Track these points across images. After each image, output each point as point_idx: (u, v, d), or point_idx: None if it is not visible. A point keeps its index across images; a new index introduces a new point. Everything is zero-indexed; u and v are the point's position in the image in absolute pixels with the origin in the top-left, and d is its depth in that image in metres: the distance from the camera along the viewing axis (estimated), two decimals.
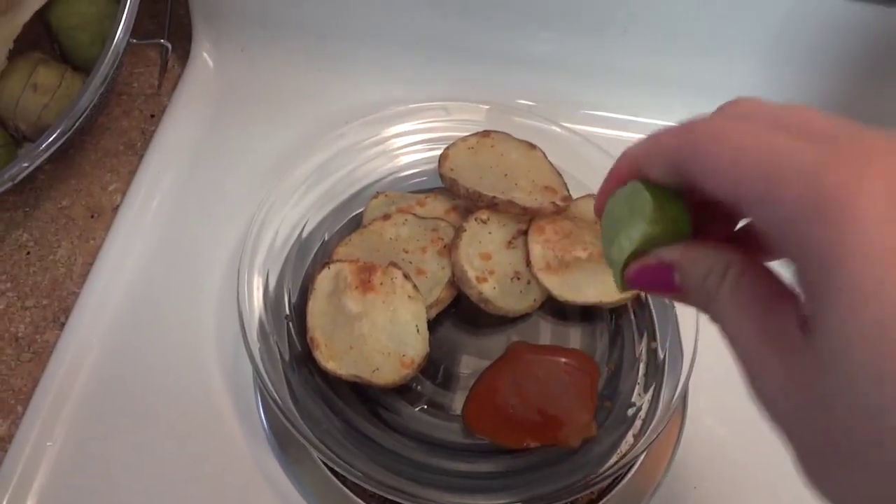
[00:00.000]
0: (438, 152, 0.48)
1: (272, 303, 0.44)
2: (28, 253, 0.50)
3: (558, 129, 0.51)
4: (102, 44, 0.50)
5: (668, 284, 0.24)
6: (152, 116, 0.57)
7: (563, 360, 0.43)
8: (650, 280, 0.25)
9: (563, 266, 0.44)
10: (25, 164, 0.43)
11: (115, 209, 0.52)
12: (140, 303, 0.48)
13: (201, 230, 0.51)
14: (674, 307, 0.44)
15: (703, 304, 0.23)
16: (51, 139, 0.43)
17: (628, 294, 0.44)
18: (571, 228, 0.45)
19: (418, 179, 0.50)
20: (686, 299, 0.24)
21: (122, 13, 0.45)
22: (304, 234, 0.48)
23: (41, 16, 0.49)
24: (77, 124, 0.44)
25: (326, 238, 0.48)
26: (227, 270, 0.49)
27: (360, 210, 0.49)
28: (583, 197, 0.48)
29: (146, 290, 0.48)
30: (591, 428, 0.40)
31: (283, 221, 0.47)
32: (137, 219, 0.51)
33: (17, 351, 0.46)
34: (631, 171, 0.26)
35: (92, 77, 0.44)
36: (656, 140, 0.24)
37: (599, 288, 0.44)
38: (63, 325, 0.47)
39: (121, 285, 0.48)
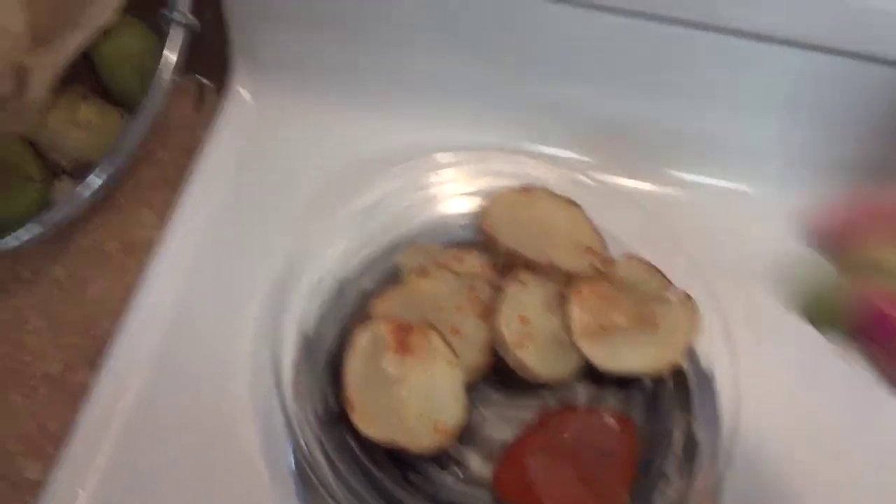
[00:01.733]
0: (477, 203, 0.48)
1: (308, 351, 0.44)
2: (63, 288, 0.50)
3: (599, 185, 0.50)
4: (143, 79, 0.50)
5: None
6: (188, 150, 0.56)
7: (601, 426, 0.43)
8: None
9: (604, 332, 0.44)
10: (69, 209, 0.43)
11: (150, 244, 0.52)
12: (174, 344, 0.47)
13: (237, 268, 0.51)
14: (713, 381, 0.44)
15: None
16: (95, 181, 0.43)
17: (669, 364, 0.44)
18: (612, 292, 0.45)
19: (457, 230, 0.50)
20: None
21: (167, 53, 0.44)
22: (342, 279, 0.47)
23: (84, 51, 0.48)
24: (120, 166, 0.44)
25: (364, 285, 0.47)
26: (263, 311, 0.48)
27: (397, 258, 0.48)
28: (623, 258, 0.47)
29: (181, 330, 0.48)
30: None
31: (320, 265, 0.47)
32: (173, 256, 0.51)
33: (50, 391, 0.46)
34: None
35: (136, 120, 0.44)
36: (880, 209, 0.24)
37: (640, 357, 0.43)
38: (97, 365, 0.47)
39: (155, 325, 0.48)
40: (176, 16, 0.43)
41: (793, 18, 0.45)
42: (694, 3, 0.46)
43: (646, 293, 0.45)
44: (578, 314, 0.44)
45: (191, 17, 0.44)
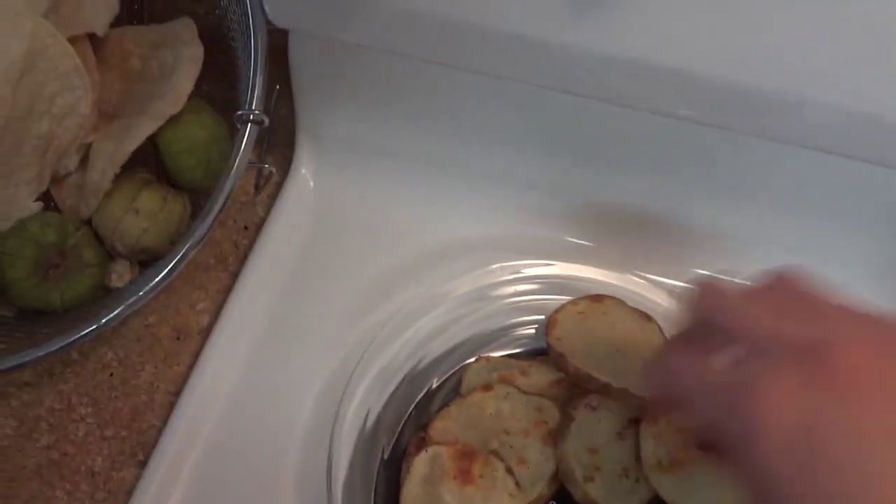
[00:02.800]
0: (543, 311, 0.46)
1: (362, 462, 0.42)
2: (111, 374, 0.48)
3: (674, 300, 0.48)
4: (208, 166, 0.49)
5: None
6: (246, 228, 0.55)
7: None
8: None
9: (677, 465, 0.41)
10: (127, 307, 0.41)
11: (202, 332, 0.50)
12: (224, 440, 0.46)
13: (294, 359, 0.49)
14: None
15: None
16: (156, 281, 0.41)
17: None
18: (689, 422, 0.42)
19: (524, 341, 0.47)
20: None
21: (238, 153, 0.43)
22: (406, 375, 0.46)
23: (149, 137, 0.47)
24: (182, 263, 0.43)
25: (431, 387, 0.46)
26: (316, 411, 0.47)
27: (464, 363, 0.46)
28: None
29: (231, 426, 0.46)
30: None
31: (384, 366, 0.45)
32: (226, 346, 0.49)
33: (91, 488, 0.45)
34: None
35: (202, 218, 0.42)
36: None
37: (716, 492, 0.40)
38: (141, 462, 0.45)
39: (204, 423, 0.46)
40: (251, 115, 0.42)
41: (836, 132, 0.42)
42: (743, 118, 0.43)
43: None
44: (651, 444, 0.41)
45: (264, 116, 0.42)
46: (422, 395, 0.46)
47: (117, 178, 0.48)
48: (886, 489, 0.23)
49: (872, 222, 0.50)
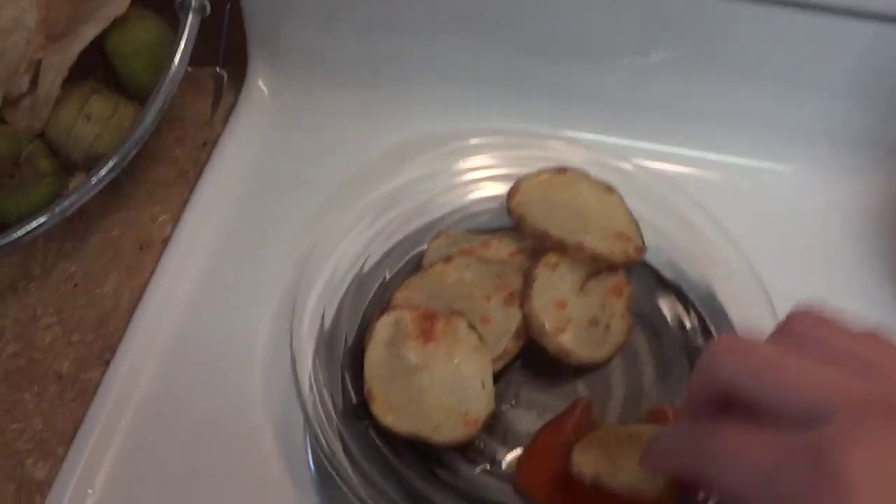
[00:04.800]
0: (506, 189, 0.46)
1: (326, 345, 0.42)
2: (76, 285, 0.48)
3: (638, 170, 0.48)
4: (156, 71, 0.49)
5: None
6: (204, 145, 0.55)
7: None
8: None
9: None
10: (76, 198, 0.41)
11: (165, 241, 0.50)
12: (187, 342, 0.46)
13: (253, 265, 0.49)
14: None
15: None
16: (103, 172, 0.42)
17: None
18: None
19: (483, 218, 0.47)
20: None
21: (180, 43, 0.43)
22: (364, 270, 0.45)
23: (95, 43, 0.47)
24: (130, 156, 0.42)
25: (387, 277, 0.45)
26: (279, 307, 0.46)
27: (421, 248, 0.46)
28: None
29: (194, 328, 0.46)
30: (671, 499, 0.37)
31: (342, 256, 0.45)
32: (187, 252, 0.49)
33: (60, 389, 0.44)
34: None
35: (147, 108, 0.42)
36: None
37: None
38: (108, 362, 0.45)
39: (167, 323, 0.46)
40: (192, 2, 0.42)
41: None
42: None
43: None
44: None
45: (205, 2, 0.42)
46: (383, 282, 0.45)
47: (67, 87, 0.47)
48: None
49: (829, 83, 0.50)
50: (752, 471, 0.23)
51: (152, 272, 0.48)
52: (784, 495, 0.22)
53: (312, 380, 0.40)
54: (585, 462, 0.36)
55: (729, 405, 0.27)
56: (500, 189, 0.47)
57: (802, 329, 0.26)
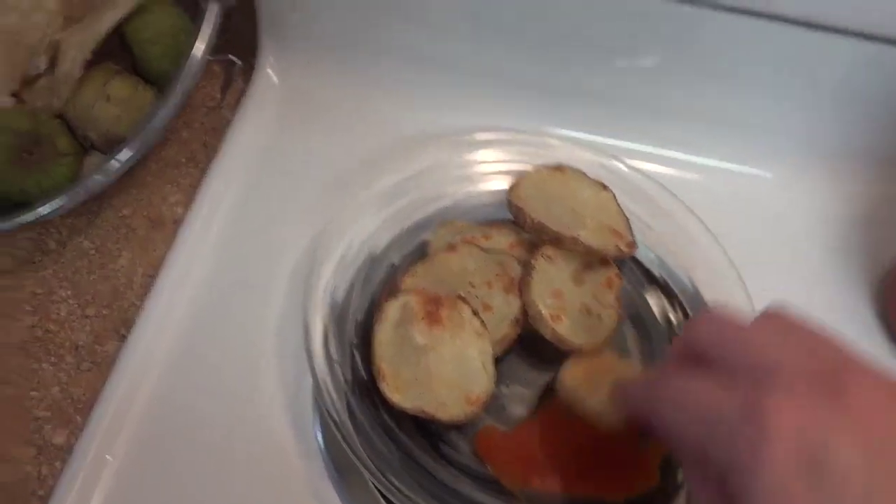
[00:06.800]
0: (507, 184, 0.49)
1: (337, 323, 0.44)
2: (90, 261, 0.50)
3: (631, 171, 0.51)
4: (174, 57, 0.50)
5: None
6: (214, 129, 0.57)
7: None
8: None
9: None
10: (101, 178, 0.43)
11: (176, 222, 0.52)
12: (201, 318, 0.48)
13: (263, 246, 0.51)
14: None
15: None
16: (126, 155, 0.43)
17: None
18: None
19: (485, 210, 0.50)
20: None
21: (203, 31, 0.45)
22: (372, 253, 0.48)
23: (117, 28, 0.49)
24: (152, 141, 0.44)
25: (395, 261, 0.48)
26: (289, 287, 0.49)
27: (428, 235, 0.49)
28: None
29: (207, 306, 0.48)
30: (653, 475, 0.40)
31: (354, 236, 0.47)
32: (200, 233, 0.51)
33: (77, 360, 0.46)
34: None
35: (170, 93, 0.44)
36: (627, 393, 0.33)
37: None
38: (124, 336, 0.47)
39: (183, 300, 0.48)
40: None
41: (823, 3, 0.46)
42: None
43: None
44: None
45: None
46: (391, 265, 0.48)
47: (88, 69, 0.49)
48: None
49: (811, 94, 0.53)
50: (690, 414, 0.28)
51: (166, 251, 0.50)
52: (710, 434, 0.26)
53: (324, 354, 0.42)
54: (570, 376, 0.40)
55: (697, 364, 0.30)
56: (502, 183, 0.50)
57: (773, 320, 0.30)
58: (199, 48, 0.45)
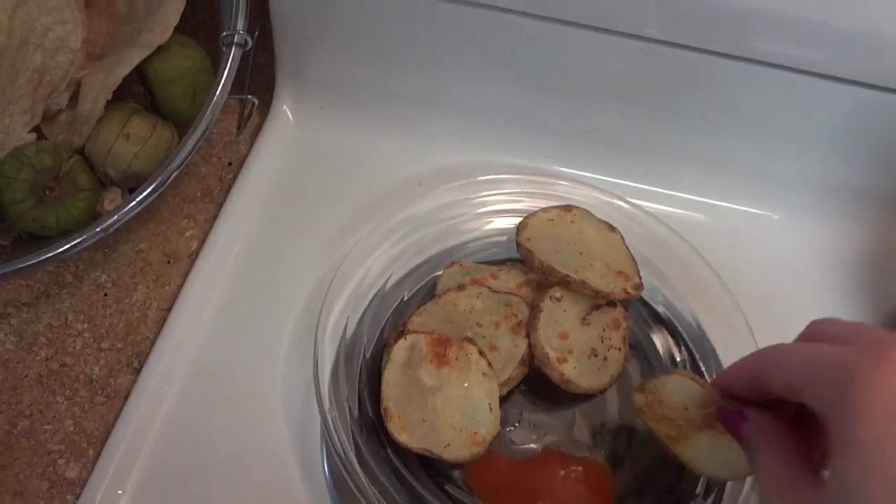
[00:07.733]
0: (515, 224, 0.49)
1: (346, 359, 0.45)
2: (105, 294, 0.51)
3: (637, 211, 0.51)
4: (194, 96, 0.52)
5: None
6: (230, 164, 0.58)
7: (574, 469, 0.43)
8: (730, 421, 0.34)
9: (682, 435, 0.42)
10: (120, 216, 0.44)
11: (191, 256, 0.53)
12: (214, 353, 0.49)
13: (276, 280, 0.52)
14: None
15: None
16: (145, 193, 0.44)
17: None
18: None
19: (494, 249, 0.51)
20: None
21: (223, 74, 0.46)
22: (386, 288, 0.49)
23: (137, 68, 0.50)
24: (171, 179, 0.46)
25: (405, 297, 0.49)
26: (300, 322, 0.50)
27: (438, 273, 0.49)
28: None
29: (220, 341, 0.49)
30: None
31: (367, 270, 0.48)
32: (214, 267, 0.52)
33: (90, 393, 0.47)
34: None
35: (189, 135, 0.45)
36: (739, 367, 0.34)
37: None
38: (137, 370, 0.48)
39: (196, 334, 0.49)
40: (235, 37, 0.45)
41: (827, 53, 0.47)
42: (727, 37, 0.47)
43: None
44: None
45: (248, 37, 0.45)
46: (400, 303, 0.49)
47: (108, 108, 0.50)
48: None
49: (816, 139, 0.54)
50: (806, 355, 0.29)
51: (181, 285, 0.51)
52: (824, 364, 0.27)
53: (332, 389, 0.43)
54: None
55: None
56: (511, 223, 0.50)
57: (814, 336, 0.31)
58: (219, 91, 0.46)
